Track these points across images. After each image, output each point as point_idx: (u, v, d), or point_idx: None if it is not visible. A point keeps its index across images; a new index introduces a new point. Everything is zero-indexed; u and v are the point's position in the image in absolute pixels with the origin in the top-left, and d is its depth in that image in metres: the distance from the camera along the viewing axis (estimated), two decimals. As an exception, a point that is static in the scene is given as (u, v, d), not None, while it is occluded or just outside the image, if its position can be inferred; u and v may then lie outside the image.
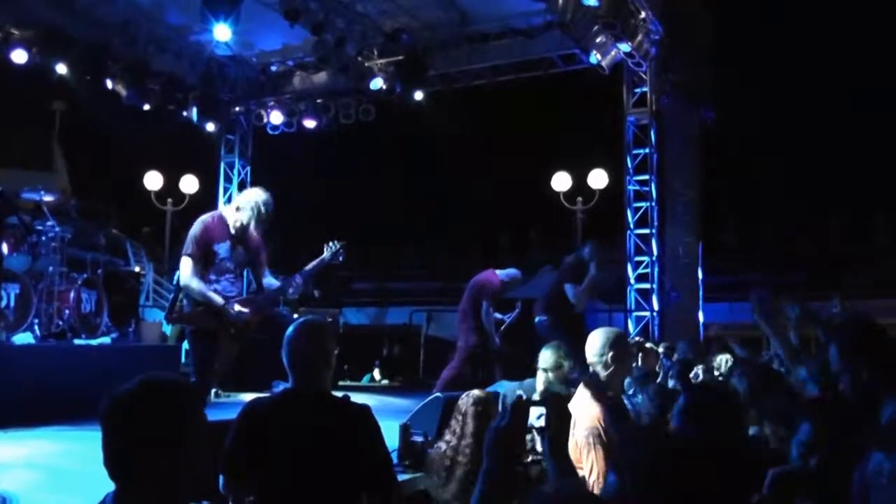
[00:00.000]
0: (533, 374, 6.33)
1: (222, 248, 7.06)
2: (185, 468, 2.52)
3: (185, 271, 6.98)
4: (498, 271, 11.76)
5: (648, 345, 10.31)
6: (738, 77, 22.12)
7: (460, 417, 5.50)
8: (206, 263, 7.01)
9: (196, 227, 7.09)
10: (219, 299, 6.91)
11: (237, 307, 6.96)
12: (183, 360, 11.52)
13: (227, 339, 6.96)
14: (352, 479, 4.03)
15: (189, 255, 6.97)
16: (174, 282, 13.99)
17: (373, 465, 4.11)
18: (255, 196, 7.21)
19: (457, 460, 5.40)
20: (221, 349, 6.95)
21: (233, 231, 7.12)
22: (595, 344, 5.29)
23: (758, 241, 28.59)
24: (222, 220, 7.17)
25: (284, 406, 4.14)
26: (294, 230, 31.37)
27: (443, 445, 5.52)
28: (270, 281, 7.42)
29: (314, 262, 7.58)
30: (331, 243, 7.68)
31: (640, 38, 13.60)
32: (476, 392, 5.70)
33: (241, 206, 7.15)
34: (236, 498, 4.09)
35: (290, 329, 4.26)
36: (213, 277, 7.02)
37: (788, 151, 26.11)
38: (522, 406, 2.79)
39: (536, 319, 10.29)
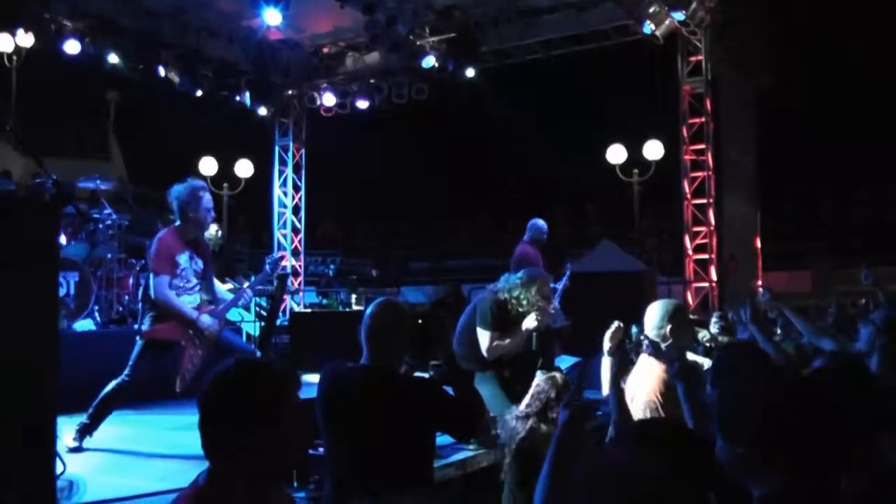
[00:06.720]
0: (594, 347, 6.16)
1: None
2: (280, 446, 2.59)
3: None
4: (525, 239, 11.81)
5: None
6: (794, 42, 21.77)
7: (543, 398, 5.43)
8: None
9: None
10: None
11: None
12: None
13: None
14: (418, 444, 4.19)
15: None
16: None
17: (446, 420, 4.30)
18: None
19: (535, 435, 5.33)
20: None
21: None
22: (653, 316, 5.22)
23: (816, 208, 28.26)
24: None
25: (355, 377, 4.23)
26: (350, 210, 31.62)
27: (516, 422, 5.45)
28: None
29: (258, 277, 7.83)
30: (268, 258, 7.98)
31: (694, 5, 13.43)
32: (557, 375, 5.64)
33: None
34: None
35: (370, 307, 4.38)
36: None
37: (845, 116, 25.67)
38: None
39: None
